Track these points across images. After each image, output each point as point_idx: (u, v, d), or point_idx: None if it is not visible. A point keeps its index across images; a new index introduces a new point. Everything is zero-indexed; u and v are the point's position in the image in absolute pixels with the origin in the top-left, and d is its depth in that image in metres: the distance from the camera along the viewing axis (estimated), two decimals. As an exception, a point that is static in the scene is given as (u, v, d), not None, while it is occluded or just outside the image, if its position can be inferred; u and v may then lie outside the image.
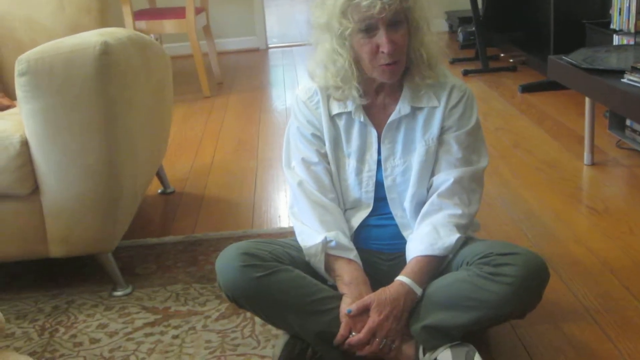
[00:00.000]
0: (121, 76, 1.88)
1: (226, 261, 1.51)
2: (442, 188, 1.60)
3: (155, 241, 2.40)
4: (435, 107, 1.61)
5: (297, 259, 1.59)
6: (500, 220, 2.35)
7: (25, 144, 1.86)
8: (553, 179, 2.68)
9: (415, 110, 1.62)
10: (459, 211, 1.58)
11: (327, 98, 1.65)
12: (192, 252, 2.29)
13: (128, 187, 2.04)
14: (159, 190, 2.83)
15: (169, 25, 4.32)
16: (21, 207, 1.94)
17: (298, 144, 1.68)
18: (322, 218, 1.60)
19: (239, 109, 4.08)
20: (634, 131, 2.68)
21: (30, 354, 1.81)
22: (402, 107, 1.61)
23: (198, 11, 4.38)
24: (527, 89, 3.97)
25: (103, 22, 2.39)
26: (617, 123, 2.82)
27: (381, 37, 1.49)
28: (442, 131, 1.61)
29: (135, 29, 4.07)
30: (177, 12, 4.32)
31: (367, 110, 1.64)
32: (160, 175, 2.80)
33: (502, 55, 4.84)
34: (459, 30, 5.39)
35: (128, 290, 2.07)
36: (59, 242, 1.97)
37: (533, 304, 1.49)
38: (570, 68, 2.64)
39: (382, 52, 1.50)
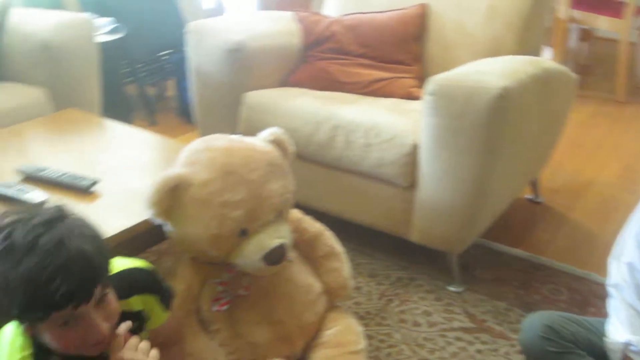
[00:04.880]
0: (512, 117, 2.03)
1: (530, 324, 1.67)
2: None
3: (502, 250, 2.53)
4: None
5: (596, 345, 1.66)
6: None
7: (415, 147, 2.16)
8: None
9: None
10: None
11: None
12: (530, 275, 2.37)
13: (492, 201, 2.22)
14: (528, 196, 2.90)
15: (602, 21, 4.25)
16: (398, 194, 2.27)
17: (633, 246, 1.65)
18: (633, 320, 1.63)
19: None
20: None
21: (367, 313, 2.17)
22: None
23: (638, 11, 4.20)
24: None
25: (523, 42, 2.53)
26: None
27: None
28: None
29: (568, 17, 4.13)
30: (614, 9, 4.18)
31: None
32: (533, 183, 2.88)
33: None
34: None
35: (460, 289, 2.29)
36: (419, 231, 2.26)
37: None
38: None
39: None
